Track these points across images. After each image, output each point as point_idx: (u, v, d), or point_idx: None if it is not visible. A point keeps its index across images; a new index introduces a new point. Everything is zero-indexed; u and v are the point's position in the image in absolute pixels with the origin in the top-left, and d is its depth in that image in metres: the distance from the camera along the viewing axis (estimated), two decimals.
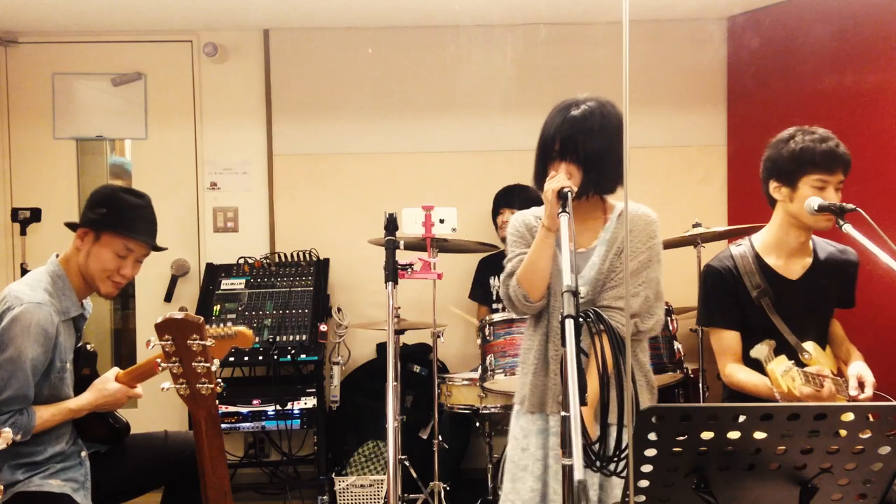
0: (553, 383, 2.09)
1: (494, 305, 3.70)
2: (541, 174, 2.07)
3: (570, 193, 1.85)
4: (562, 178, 1.94)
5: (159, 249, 2.51)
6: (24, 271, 3.86)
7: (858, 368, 2.41)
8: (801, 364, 2.33)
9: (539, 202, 2.04)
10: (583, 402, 1.40)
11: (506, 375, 2.96)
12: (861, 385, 2.34)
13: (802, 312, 2.46)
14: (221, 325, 2.14)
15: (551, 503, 2.04)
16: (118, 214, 2.39)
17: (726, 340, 2.49)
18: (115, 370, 2.44)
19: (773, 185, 2.43)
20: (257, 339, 3.76)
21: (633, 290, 2.04)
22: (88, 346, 2.52)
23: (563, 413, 1.52)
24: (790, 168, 2.36)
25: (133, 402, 2.48)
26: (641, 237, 2.06)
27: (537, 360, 2.11)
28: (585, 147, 2.00)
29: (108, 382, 2.39)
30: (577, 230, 2.06)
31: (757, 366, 2.33)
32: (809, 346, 2.42)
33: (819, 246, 2.53)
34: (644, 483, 1.42)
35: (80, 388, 2.40)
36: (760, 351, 2.25)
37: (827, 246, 2.54)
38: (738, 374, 2.45)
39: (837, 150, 2.32)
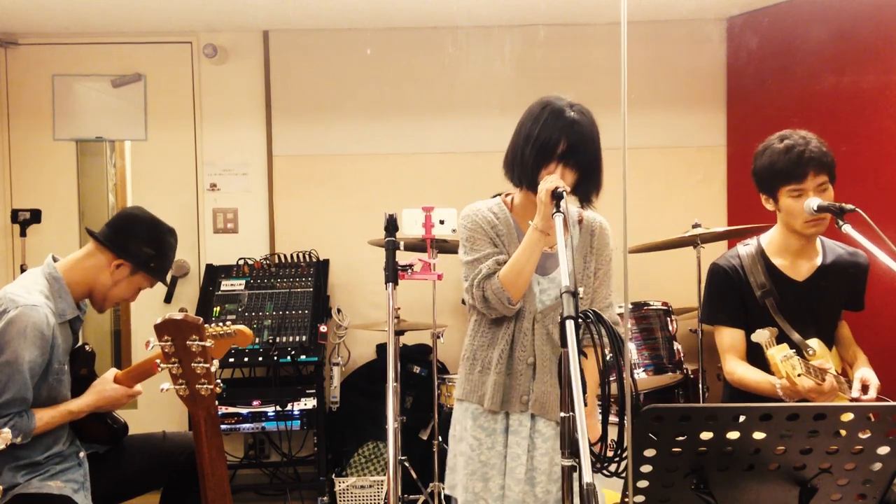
0: (518, 384, 2.11)
1: None
2: (532, 173, 2.05)
3: (563, 193, 1.85)
4: (555, 178, 1.95)
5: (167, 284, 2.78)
6: (23, 272, 3.86)
7: (864, 372, 2.40)
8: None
9: None
10: (584, 403, 1.41)
11: None
12: (865, 388, 2.34)
13: (807, 314, 2.45)
14: (220, 324, 2.14)
15: (507, 499, 2.08)
16: (163, 261, 2.49)
17: (729, 338, 2.48)
18: (114, 371, 2.44)
19: (763, 198, 2.47)
20: (257, 340, 3.76)
21: (609, 299, 2.17)
22: (87, 347, 2.51)
23: (563, 414, 1.52)
24: (767, 182, 2.40)
25: (132, 402, 2.48)
26: (602, 244, 2.19)
27: (502, 359, 2.12)
28: (587, 153, 2.03)
29: (107, 383, 2.39)
30: None
31: (759, 357, 2.31)
32: (814, 342, 2.41)
33: (828, 248, 2.51)
34: (643, 483, 1.42)
35: (78, 388, 2.40)
36: (761, 335, 2.22)
37: (836, 248, 2.53)
38: (739, 370, 2.44)
39: (803, 156, 2.30)
